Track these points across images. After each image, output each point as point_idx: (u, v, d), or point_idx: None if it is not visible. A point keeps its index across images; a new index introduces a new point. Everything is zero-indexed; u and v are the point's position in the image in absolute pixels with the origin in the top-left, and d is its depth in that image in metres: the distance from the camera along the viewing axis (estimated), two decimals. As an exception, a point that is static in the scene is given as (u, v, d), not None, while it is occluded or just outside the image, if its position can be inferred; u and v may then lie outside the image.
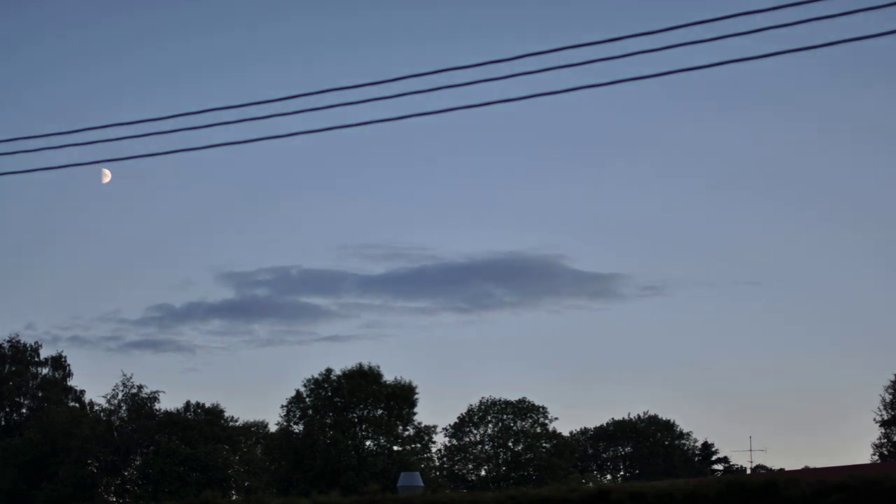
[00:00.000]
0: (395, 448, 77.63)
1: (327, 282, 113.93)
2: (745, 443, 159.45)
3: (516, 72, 15.53)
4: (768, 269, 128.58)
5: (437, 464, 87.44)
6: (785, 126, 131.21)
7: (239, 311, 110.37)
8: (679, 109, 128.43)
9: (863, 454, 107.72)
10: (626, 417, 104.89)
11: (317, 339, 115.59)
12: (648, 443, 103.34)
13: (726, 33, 14.48)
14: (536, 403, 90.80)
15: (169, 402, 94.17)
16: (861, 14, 13.90)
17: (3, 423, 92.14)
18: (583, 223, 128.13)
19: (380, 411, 77.76)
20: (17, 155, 19.05)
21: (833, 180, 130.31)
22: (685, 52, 14.75)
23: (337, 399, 77.59)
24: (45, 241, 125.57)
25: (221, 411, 78.80)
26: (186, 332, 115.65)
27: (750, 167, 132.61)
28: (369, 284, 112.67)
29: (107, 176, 72.20)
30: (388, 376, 78.32)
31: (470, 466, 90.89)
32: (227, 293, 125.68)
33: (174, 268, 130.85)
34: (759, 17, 14.25)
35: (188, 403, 78.03)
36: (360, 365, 78.19)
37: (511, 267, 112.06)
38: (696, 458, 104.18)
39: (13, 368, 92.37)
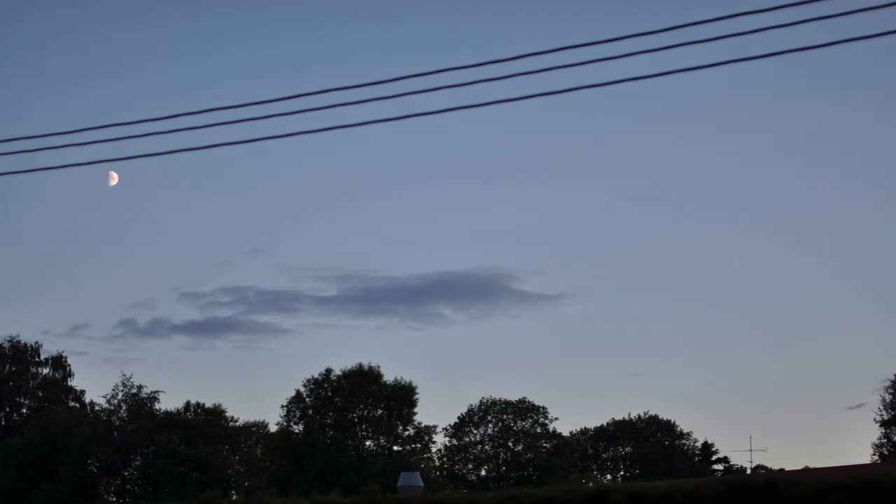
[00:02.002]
0: (395, 448, 77.65)
1: (285, 302, 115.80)
2: (745, 443, 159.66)
3: (516, 72, 15.54)
4: (746, 276, 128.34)
5: (437, 464, 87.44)
6: (726, 137, 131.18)
7: (203, 329, 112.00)
8: (622, 124, 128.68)
9: (863, 454, 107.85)
10: (626, 417, 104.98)
11: (280, 356, 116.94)
12: (648, 443, 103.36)
13: (726, 33, 14.48)
14: (536, 403, 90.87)
15: (169, 402, 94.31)
16: (854, 15, 13.90)
17: (3, 423, 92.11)
18: (531, 244, 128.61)
19: (380, 411, 77.78)
20: (16, 155, 19.05)
21: (794, 191, 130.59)
22: (685, 52, 14.76)
23: (337, 399, 77.62)
24: (27, 248, 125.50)
25: (222, 411, 78.76)
26: (153, 348, 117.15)
27: (696, 180, 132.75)
28: (325, 304, 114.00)
29: (114, 178, 71.96)
30: (388, 376, 78.53)
31: (470, 466, 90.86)
32: (189, 312, 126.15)
33: (137, 286, 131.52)
34: (759, 17, 14.25)
35: (188, 403, 78.00)
36: (360, 365, 78.26)
37: (459, 287, 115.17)
38: (696, 458, 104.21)
39: (13, 368, 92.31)
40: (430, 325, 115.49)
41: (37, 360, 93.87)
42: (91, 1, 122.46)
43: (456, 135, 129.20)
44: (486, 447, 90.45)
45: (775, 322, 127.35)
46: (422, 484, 35.98)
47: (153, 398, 77.57)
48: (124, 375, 78.29)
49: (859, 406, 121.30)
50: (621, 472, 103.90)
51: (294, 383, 76.65)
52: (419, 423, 78.84)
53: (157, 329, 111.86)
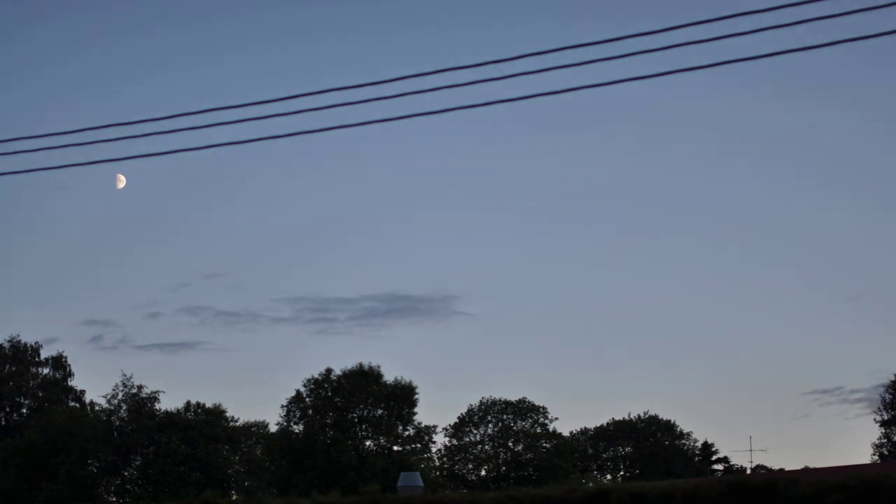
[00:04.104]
0: (395, 448, 77.66)
1: (245, 322, 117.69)
2: (745, 443, 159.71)
3: (517, 72, 15.54)
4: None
5: (437, 464, 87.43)
6: (656, 149, 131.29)
7: (167, 348, 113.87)
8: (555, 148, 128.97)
9: (863, 454, 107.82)
10: (626, 417, 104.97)
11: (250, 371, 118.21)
12: (648, 443, 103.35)
13: (726, 33, 14.49)
14: (536, 403, 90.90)
15: (169, 402, 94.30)
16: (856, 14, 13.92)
17: (3, 423, 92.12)
18: (478, 267, 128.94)
19: (380, 411, 77.78)
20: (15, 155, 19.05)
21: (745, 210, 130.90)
22: (685, 52, 14.77)
23: (337, 399, 77.62)
24: (22, 252, 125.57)
25: (222, 411, 78.73)
26: (123, 364, 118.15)
27: (629, 200, 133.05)
28: (282, 324, 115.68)
29: (121, 181, 71.83)
30: (388, 376, 78.57)
31: (470, 466, 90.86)
32: (154, 331, 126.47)
33: (103, 303, 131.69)
34: (759, 17, 14.26)
35: (188, 403, 77.96)
36: (361, 365, 78.28)
37: (411, 308, 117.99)
38: (696, 458, 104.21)
39: (13, 368, 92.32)
40: (384, 343, 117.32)
41: (37, 360, 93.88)
42: (101, 10, 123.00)
43: (404, 160, 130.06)
44: (486, 447, 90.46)
45: (771, 323, 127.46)
46: (422, 484, 35.95)
47: (153, 398, 77.55)
48: (124, 375, 78.30)
49: (805, 417, 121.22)
50: (621, 472, 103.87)
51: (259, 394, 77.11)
52: (419, 423, 78.89)
53: (121, 347, 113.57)
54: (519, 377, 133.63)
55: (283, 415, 79.04)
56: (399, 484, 35.33)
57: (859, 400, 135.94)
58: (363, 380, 77.32)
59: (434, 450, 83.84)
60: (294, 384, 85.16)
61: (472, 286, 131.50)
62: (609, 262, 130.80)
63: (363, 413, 77.79)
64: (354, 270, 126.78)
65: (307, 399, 78.41)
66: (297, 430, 78.28)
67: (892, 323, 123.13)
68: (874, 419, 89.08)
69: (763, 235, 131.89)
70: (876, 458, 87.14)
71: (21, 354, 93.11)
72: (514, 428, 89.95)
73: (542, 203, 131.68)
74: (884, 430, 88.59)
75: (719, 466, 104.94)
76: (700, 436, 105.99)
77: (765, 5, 14.31)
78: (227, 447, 78.29)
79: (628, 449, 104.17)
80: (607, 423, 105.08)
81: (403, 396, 77.77)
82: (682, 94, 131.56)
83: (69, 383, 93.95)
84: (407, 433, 78.49)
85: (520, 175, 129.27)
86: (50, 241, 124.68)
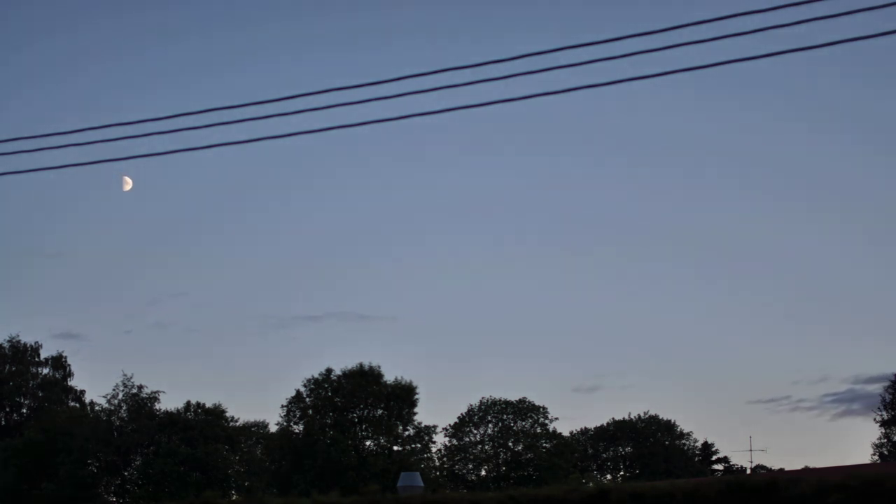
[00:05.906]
0: (395, 448, 77.65)
1: (222, 334, 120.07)
2: (745, 443, 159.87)
3: (517, 72, 15.54)
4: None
5: (437, 464, 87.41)
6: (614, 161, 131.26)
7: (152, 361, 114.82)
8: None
9: (863, 454, 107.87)
10: (626, 417, 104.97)
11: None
12: (648, 443, 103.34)
13: (726, 33, 14.49)
14: (536, 403, 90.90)
15: (169, 402, 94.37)
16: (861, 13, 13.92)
17: (3, 423, 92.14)
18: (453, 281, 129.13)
19: (380, 411, 77.78)
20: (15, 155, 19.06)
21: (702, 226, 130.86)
22: (685, 52, 14.77)
23: (337, 399, 77.61)
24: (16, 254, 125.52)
25: (222, 411, 78.78)
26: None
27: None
28: (253, 338, 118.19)
29: (128, 184, 71.71)
30: (388, 376, 78.58)
31: (470, 466, 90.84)
32: (129, 344, 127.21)
33: (75, 315, 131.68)
34: (758, 17, 14.26)
35: (188, 403, 78.01)
36: (361, 365, 78.29)
37: (375, 326, 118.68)
38: (696, 458, 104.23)
39: (13, 368, 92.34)
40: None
41: (37, 360, 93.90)
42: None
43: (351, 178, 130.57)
44: (486, 447, 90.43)
45: (771, 322, 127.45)
46: (422, 484, 35.95)
47: (153, 398, 77.59)
48: (125, 375, 78.34)
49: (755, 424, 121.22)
50: (621, 472, 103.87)
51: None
52: (419, 423, 78.88)
53: (99, 361, 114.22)
54: (512, 380, 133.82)
55: (283, 415, 79.14)
56: (399, 484, 35.32)
57: (810, 408, 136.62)
58: (363, 380, 77.32)
59: (434, 450, 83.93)
60: (287, 387, 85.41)
61: (445, 302, 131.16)
62: (607, 263, 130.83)
63: (363, 413, 77.78)
64: (318, 289, 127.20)
65: (307, 399, 78.42)
66: (297, 430, 78.29)
67: (840, 330, 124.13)
68: (874, 419, 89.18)
69: (743, 246, 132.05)
70: (876, 458, 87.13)
71: (21, 354, 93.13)
72: (514, 428, 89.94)
73: (527, 210, 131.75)
74: (884, 430, 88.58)
75: (719, 466, 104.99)
76: (700, 436, 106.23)
77: (763, 6, 14.33)
78: (226, 447, 78.32)
79: (628, 449, 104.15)
80: (607, 423, 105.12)
81: (403, 396, 77.78)
82: (609, 108, 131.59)
83: (69, 383, 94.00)
84: (407, 433, 78.50)
85: (497, 185, 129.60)
86: (47, 244, 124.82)
